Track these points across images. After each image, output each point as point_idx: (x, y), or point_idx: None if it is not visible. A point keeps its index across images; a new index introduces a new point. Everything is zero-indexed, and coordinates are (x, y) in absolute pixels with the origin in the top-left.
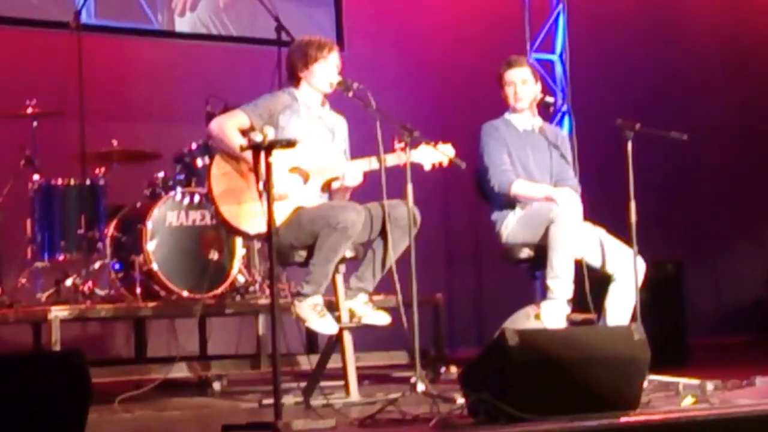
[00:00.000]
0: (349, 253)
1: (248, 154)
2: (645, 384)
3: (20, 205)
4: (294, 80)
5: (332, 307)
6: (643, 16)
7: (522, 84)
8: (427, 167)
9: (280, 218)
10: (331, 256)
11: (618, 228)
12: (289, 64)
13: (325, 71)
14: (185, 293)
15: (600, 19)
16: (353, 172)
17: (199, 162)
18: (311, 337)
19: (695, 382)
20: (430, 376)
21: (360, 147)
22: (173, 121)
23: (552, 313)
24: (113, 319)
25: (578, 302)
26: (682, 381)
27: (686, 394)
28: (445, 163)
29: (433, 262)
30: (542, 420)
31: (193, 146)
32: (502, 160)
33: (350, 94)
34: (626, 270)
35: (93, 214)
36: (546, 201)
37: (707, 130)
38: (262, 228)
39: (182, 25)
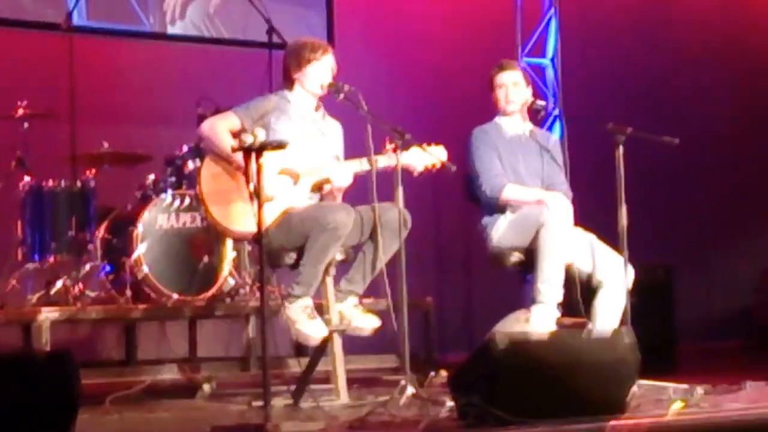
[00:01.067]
0: (339, 256)
1: (239, 156)
2: (634, 388)
3: (11, 207)
4: (288, 82)
5: (322, 310)
6: (634, 20)
7: (513, 87)
8: (419, 170)
9: (270, 219)
10: (321, 256)
11: (609, 233)
12: (284, 66)
13: (319, 73)
14: (175, 296)
15: (591, 23)
16: (343, 172)
17: (190, 165)
18: (299, 341)
19: (685, 386)
20: (419, 379)
21: (351, 149)
22: (164, 124)
23: (542, 317)
24: (103, 321)
25: (568, 307)
26: (672, 386)
27: (676, 398)
28: (438, 166)
29: (423, 265)
30: (531, 424)
31: (184, 149)
32: (493, 165)
33: (341, 96)
34: (615, 276)
35: (84, 217)
36: (536, 205)
37: (699, 135)
38: (251, 228)
39: (174, 27)
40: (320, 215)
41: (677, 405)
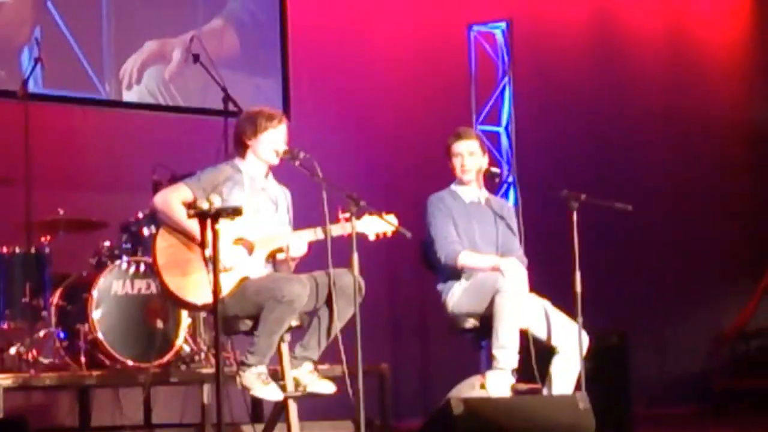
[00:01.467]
0: (294, 322)
1: (194, 226)
2: None
3: None
4: (240, 149)
5: (277, 376)
6: (588, 88)
7: (469, 156)
8: (372, 237)
9: (225, 289)
10: (276, 328)
11: (563, 298)
12: (237, 133)
13: (274, 140)
14: (130, 362)
15: (545, 91)
16: (298, 243)
17: (146, 231)
18: (256, 406)
19: None
20: None
21: (305, 216)
22: (120, 190)
23: (497, 382)
24: (57, 387)
25: (523, 372)
26: None
27: None
28: (389, 233)
29: (378, 331)
30: None
31: (140, 215)
32: (449, 232)
33: (297, 163)
34: (570, 342)
35: (38, 283)
36: (492, 271)
37: (653, 201)
38: (207, 299)
39: (130, 95)
40: (275, 287)
41: None
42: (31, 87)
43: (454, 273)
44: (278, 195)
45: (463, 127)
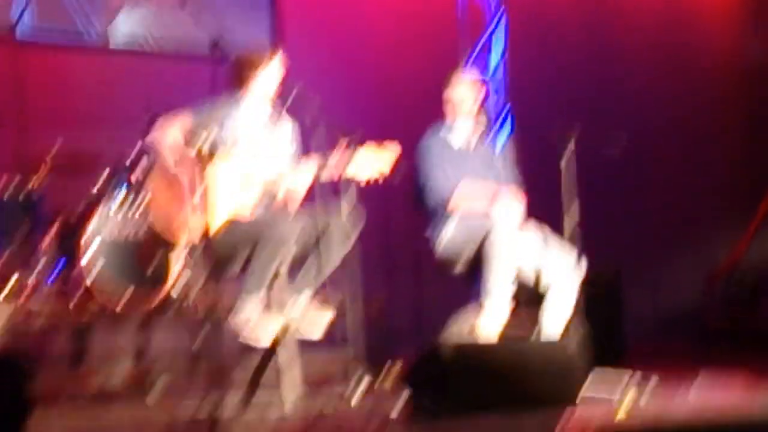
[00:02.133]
0: (285, 265)
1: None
2: (581, 395)
3: None
4: (238, 88)
5: (271, 311)
6: (580, 29)
7: (462, 99)
8: (365, 177)
9: (217, 228)
10: (267, 266)
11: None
12: (233, 71)
13: (266, 80)
14: (122, 303)
15: (539, 29)
16: (299, 178)
17: (138, 173)
18: (248, 345)
19: (632, 389)
20: (370, 380)
21: (300, 151)
22: (112, 132)
23: (489, 324)
24: (51, 328)
25: (515, 313)
26: (619, 389)
27: (627, 391)
28: (385, 168)
29: (372, 269)
30: (483, 417)
31: (132, 157)
32: (440, 175)
33: (291, 99)
34: (564, 279)
35: (30, 223)
36: (484, 212)
37: (646, 139)
38: (197, 239)
39: (118, 40)
40: (268, 225)
41: (625, 407)
42: (21, 30)
43: (446, 215)
44: (280, 129)
45: (456, 70)
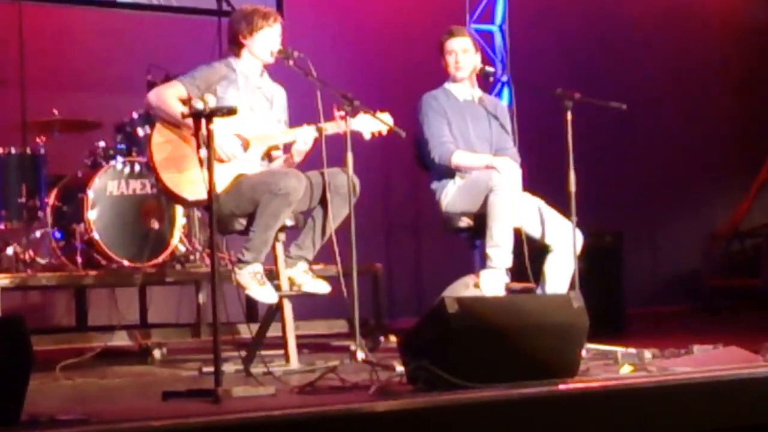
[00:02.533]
0: (289, 222)
1: (189, 122)
2: (583, 352)
3: None
4: (236, 48)
5: (272, 275)
6: None
7: (463, 53)
8: (367, 136)
9: (220, 186)
10: (272, 222)
11: (557, 198)
12: (233, 32)
13: (269, 39)
14: (126, 262)
15: None
16: (305, 136)
17: (140, 131)
18: (251, 305)
19: (633, 350)
20: (369, 344)
21: (300, 116)
22: (114, 91)
23: (491, 281)
24: (54, 287)
25: (517, 271)
26: (620, 350)
27: (624, 362)
28: (385, 131)
29: (372, 231)
30: (481, 388)
31: (134, 116)
32: (442, 131)
33: (291, 62)
34: (564, 241)
35: (34, 183)
36: (485, 170)
37: (646, 102)
38: (202, 195)
39: None
40: (271, 181)
41: (626, 369)
42: None
43: (448, 172)
44: (273, 93)
45: (456, 25)
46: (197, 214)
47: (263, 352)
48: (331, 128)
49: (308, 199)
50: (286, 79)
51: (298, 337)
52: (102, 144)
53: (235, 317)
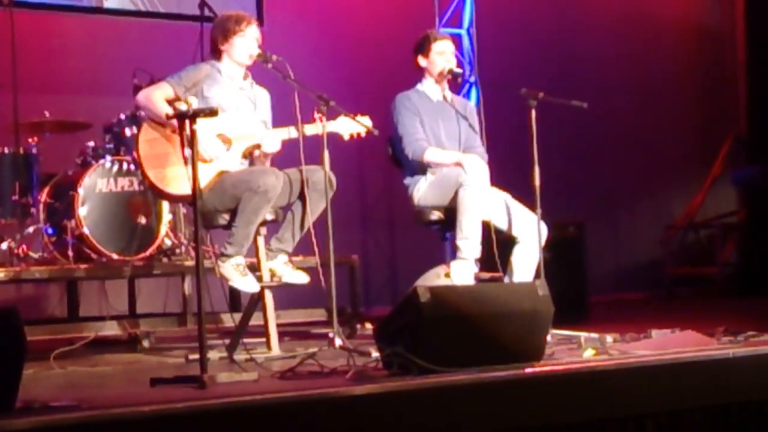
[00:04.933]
0: (269, 216)
1: (174, 123)
2: (548, 338)
3: None
4: (216, 54)
5: (254, 267)
6: None
7: (451, 54)
8: (346, 137)
9: (204, 182)
10: (253, 218)
11: (523, 192)
12: (212, 38)
13: (244, 44)
14: (115, 256)
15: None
16: (272, 140)
17: (128, 131)
18: (234, 295)
19: (595, 335)
20: (346, 332)
21: (280, 117)
22: (102, 93)
23: (461, 271)
24: (47, 280)
25: (486, 261)
26: (583, 335)
27: (587, 346)
28: (363, 133)
29: (349, 225)
30: (452, 372)
31: (122, 116)
32: (416, 129)
33: (269, 65)
34: (530, 232)
35: (27, 182)
36: (455, 167)
37: (608, 100)
38: (185, 190)
39: (110, 2)
40: (251, 179)
41: (589, 352)
42: None
43: (420, 168)
44: (257, 95)
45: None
46: (183, 209)
47: (246, 340)
48: (309, 130)
49: (287, 194)
50: (266, 82)
51: (279, 325)
52: (91, 144)
53: (219, 307)
